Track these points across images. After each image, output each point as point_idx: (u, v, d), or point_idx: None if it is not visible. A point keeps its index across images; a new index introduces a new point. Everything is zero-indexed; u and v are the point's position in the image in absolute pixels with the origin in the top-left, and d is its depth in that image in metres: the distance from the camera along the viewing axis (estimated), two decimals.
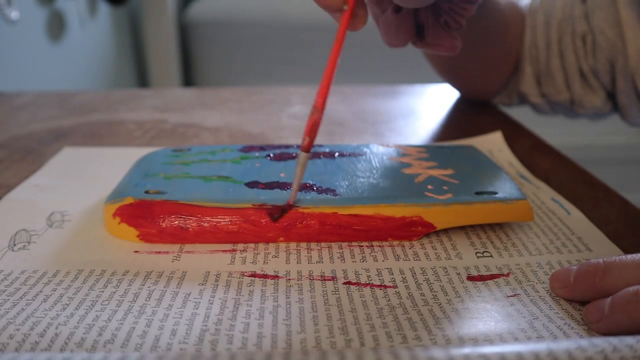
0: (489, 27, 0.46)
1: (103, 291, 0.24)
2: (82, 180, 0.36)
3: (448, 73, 0.54)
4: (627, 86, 0.44)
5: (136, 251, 0.28)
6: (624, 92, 0.45)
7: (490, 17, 0.45)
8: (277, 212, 0.28)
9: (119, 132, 0.47)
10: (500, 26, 0.47)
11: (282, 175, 0.32)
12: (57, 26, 1.04)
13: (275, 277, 0.26)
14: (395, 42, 0.35)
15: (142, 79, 1.52)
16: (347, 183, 0.31)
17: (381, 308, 0.23)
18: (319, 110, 0.27)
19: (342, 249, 0.28)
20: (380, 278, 0.26)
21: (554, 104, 0.50)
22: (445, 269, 0.27)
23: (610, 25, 0.43)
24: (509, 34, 0.48)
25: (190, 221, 0.28)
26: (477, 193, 0.30)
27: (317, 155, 0.35)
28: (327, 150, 0.36)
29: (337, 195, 0.30)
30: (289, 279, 0.26)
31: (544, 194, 0.35)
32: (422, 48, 0.35)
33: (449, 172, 0.33)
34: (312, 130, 0.27)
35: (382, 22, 0.35)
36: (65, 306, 0.23)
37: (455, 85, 0.56)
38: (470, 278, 0.26)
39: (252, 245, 0.29)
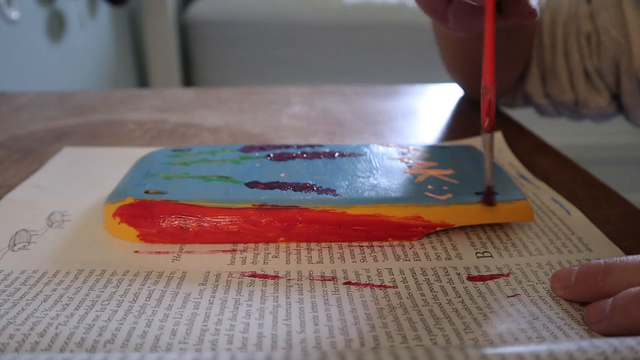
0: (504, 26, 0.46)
1: (103, 291, 0.24)
2: (82, 180, 0.36)
3: (460, 72, 0.54)
4: (631, 86, 0.44)
5: (136, 251, 0.28)
6: (629, 92, 0.45)
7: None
8: (490, 198, 0.28)
9: (119, 132, 0.47)
10: (516, 27, 0.46)
11: (282, 175, 0.32)
12: (57, 26, 1.04)
13: (276, 277, 0.26)
14: (474, 25, 0.33)
15: (142, 79, 1.52)
16: (347, 183, 0.31)
17: (381, 308, 0.23)
18: (490, 89, 0.27)
19: (342, 249, 0.28)
20: (381, 278, 0.26)
21: (558, 105, 0.50)
22: (446, 269, 0.27)
23: (615, 25, 0.43)
24: (522, 34, 0.48)
25: (190, 221, 0.28)
26: (477, 193, 0.30)
27: (317, 155, 0.35)
28: (327, 150, 0.36)
29: (337, 195, 0.30)
30: (289, 279, 0.26)
31: (544, 194, 0.35)
32: (502, 23, 0.34)
33: (449, 172, 0.33)
34: (490, 109, 0.27)
35: (453, 12, 0.34)
36: (65, 306, 0.23)
37: (464, 84, 0.55)
38: (471, 278, 0.26)
39: (252, 245, 0.29)
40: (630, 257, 0.23)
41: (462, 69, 0.53)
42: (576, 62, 0.46)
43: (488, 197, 0.29)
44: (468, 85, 0.55)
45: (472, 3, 0.31)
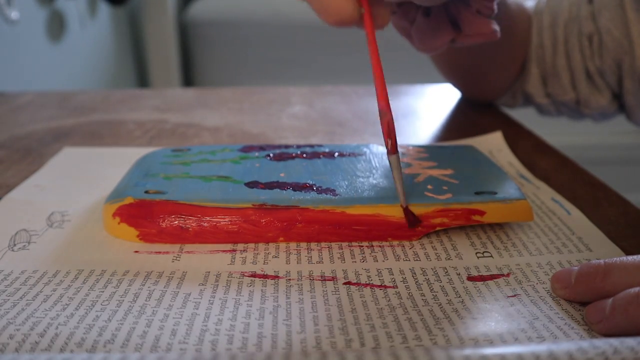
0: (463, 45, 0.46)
1: (103, 291, 0.24)
2: (82, 180, 0.36)
3: (454, 75, 0.54)
4: (634, 87, 0.44)
5: (136, 251, 0.28)
6: (631, 92, 0.45)
7: (499, 18, 0.45)
8: (412, 217, 0.28)
9: (119, 132, 0.47)
10: (509, 27, 0.47)
11: (282, 175, 0.32)
12: (57, 26, 1.04)
13: (276, 277, 0.26)
14: (435, 45, 0.34)
15: (142, 79, 1.52)
16: (346, 183, 0.31)
17: (381, 308, 0.23)
18: (386, 112, 0.28)
19: (342, 249, 0.28)
20: (381, 278, 0.26)
21: (559, 105, 0.50)
22: (446, 269, 0.27)
23: (616, 26, 0.44)
24: (517, 35, 0.48)
25: (190, 221, 0.28)
26: (477, 193, 0.30)
27: (316, 155, 0.35)
28: (326, 150, 0.36)
29: (336, 195, 0.30)
30: (289, 279, 0.26)
31: (544, 194, 0.35)
32: (462, 42, 0.34)
33: (449, 172, 0.33)
34: (390, 132, 0.28)
35: (415, 32, 0.34)
36: (65, 306, 0.23)
37: (460, 86, 0.55)
38: (471, 278, 0.26)
39: (252, 245, 0.29)
40: (630, 257, 0.23)
41: (455, 73, 0.53)
42: (578, 62, 0.46)
43: (408, 218, 0.28)
44: (462, 87, 0.55)
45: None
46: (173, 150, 0.36)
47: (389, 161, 0.28)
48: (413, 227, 0.28)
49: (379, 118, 0.28)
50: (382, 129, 0.28)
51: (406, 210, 0.28)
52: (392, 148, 0.28)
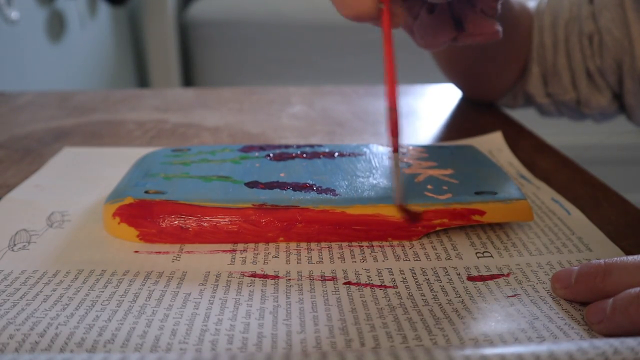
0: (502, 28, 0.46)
1: (103, 291, 0.24)
2: (82, 180, 0.36)
3: (456, 74, 0.54)
4: (634, 86, 0.44)
5: (136, 251, 0.28)
6: (631, 92, 0.45)
7: (502, 18, 0.45)
8: (409, 215, 0.28)
9: (119, 132, 0.47)
10: (512, 27, 0.46)
11: (282, 175, 0.32)
12: (57, 26, 1.04)
13: (276, 277, 0.26)
14: (436, 42, 0.34)
15: (142, 79, 1.52)
16: (346, 183, 0.31)
17: (381, 308, 0.23)
18: (393, 109, 0.28)
19: (342, 249, 0.28)
20: (381, 278, 0.26)
21: (560, 104, 0.50)
22: (446, 269, 0.27)
23: (617, 25, 0.44)
24: (519, 35, 0.48)
25: (190, 221, 0.28)
26: (477, 193, 0.30)
27: (316, 155, 0.35)
28: (326, 150, 0.36)
29: (336, 195, 0.29)
30: (289, 279, 0.26)
31: (544, 194, 0.35)
32: (464, 41, 0.34)
33: (449, 172, 0.33)
34: (395, 129, 0.27)
35: (417, 28, 0.34)
36: (65, 306, 0.23)
37: (462, 86, 0.55)
38: (471, 278, 0.26)
39: (252, 245, 0.29)
40: (630, 257, 0.23)
41: (457, 73, 0.53)
42: (578, 62, 0.46)
43: (405, 216, 0.28)
44: (464, 87, 0.55)
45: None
46: (173, 150, 0.36)
47: (391, 159, 0.28)
48: (414, 222, 0.28)
49: (386, 115, 0.28)
50: (387, 126, 0.28)
51: (401, 208, 0.28)
52: (396, 145, 0.28)
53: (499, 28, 0.34)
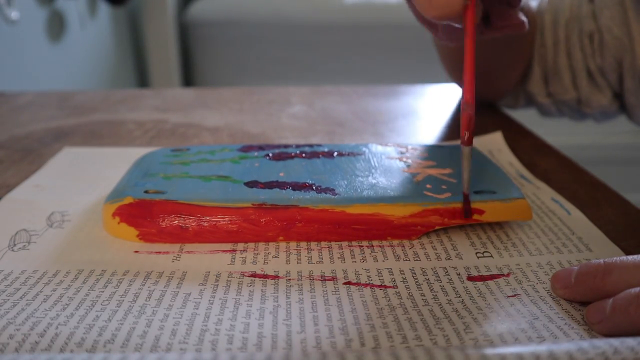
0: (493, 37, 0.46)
1: (103, 291, 0.24)
2: (82, 180, 0.36)
3: (460, 74, 0.54)
4: (634, 85, 0.44)
5: (136, 251, 0.28)
6: (632, 91, 0.45)
7: None
8: (468, 207, 0.29)
9: (119, 132, 0.47)
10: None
11: (281, 174, 0.32)
12: (57, 26, 1.05)
13: (276, 277, 0.26)
14: (462, 36, 0.34)
15: (142, 79, 1.52)
16: (346, 182, 0.31)
17: (381, 308, 0.23)
18: (470, 105, 0.28)
19: (342, 249, 0.28)
20: (381, 278, 0.26)
21: (561, 104, 0.50)
22: (446, 269, 0.27)
23: (617, 24, 0.44)
24: (523, 35, 0.48)
25: (190, 221, 0.28)
26: (476, 192, 0.30)
27: (315, 155, 0.35)
28: (325, 149, 0.36)
29: (336, 194, 0.30)
30: (289, 279, 0.26)
31: (544, 194, 0.35)
32: (490, 35, 0.34)
33: (448, 171, 0.33)
34: (470, 125, 0.28)
35: (442, 23, 0.34)
36: (65, 306, 0.23)
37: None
38: (471, 278, 0.26)
39: (252, 245, 0.29)
40: (630, 257, 0.23)
41: (461, 72, 0.53)
42: (579, 61, 0.46)
43: (466, 207, 0.29)
44: None
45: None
46: (172, 150, 0.36)
47: (462, 151, 0.28)
48: (468, 217, 0.29)
49: (461, 109, 0.28)
50: (461, 120, 0.28)
51: (466, 199, 0.29)
52: (468, 140, 0.28)
53: (524, 18, 0.34)
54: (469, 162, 0.28)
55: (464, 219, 0.29)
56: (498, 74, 0.50)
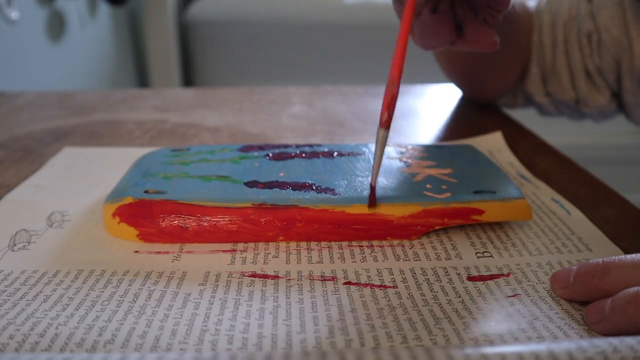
0: (503, 29, 0.46)
1: (103, 291, 0.24)
2: (82, 180, 0.36)
3: (456, 74, 0.54)
4: (632, 85, 0.44)
5: (136, 251, 0.28)
6: (630, 91, 0.45)
7: (504, 19, 0.45)
8: (372, 198, 0.28)
9: (119, 132, 0.47)
10: (513, 28, 0.46)
11: (281, 174, 0.32)
12: (57, 26, 1.05)
13: (276, 277, 0.26)
14: (435, 43, 0.34)
15: (142, 79, 1.52)
16: (346, 182, 0.31)
17: (381, 308, 0.23)
18: (395, 83, 0.26)
19: (342, 249, 0.28)
20: (381, 278, 0.26)
21: (559, 104, 0.50)
22: (446, 269, 0.27)
23: (615, 24, 0.44)
24: (521, 36, 0.48)
25: (190, 221, 0.28)
26: (476, 192, 0.30)
27: (315, 155, 0.35)
28: (325, 149, 0.36)
29: (336, 194, 0.30)
30: (289, 279, 0.26)
31: (544, 194, 0.35)
32: (461, 47, 0.35)
33: (448, 171, 0.33)
34: (391, 104, 0.26)
35: (418, 25, 0.34)
36: (65, 306, 0.23)
37: (463, 86, 0.55)
38: (471, 278, 0.26)
39: (252, 245, 0.29)
40: (629, 256, 0.23)
41: (457, 72, 0.53)
42: (577, 60, 0.46)
43: (371, 198, 0.28)
44: (465, 87, 0.55)
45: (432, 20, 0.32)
46: (172, 150, 0.36)
47: (377, 135, 0.26)
48: (371, 206, 0.28)
49: (386, 86, 0.26)
50: (383, 98, 0.26)
51: (372, 190, 0.28)
52: (387, 122, 0.26)
53: (497, 39, 0.34)
54: (382, 149, 0.26)
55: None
56: (493, 74, 0.50)
